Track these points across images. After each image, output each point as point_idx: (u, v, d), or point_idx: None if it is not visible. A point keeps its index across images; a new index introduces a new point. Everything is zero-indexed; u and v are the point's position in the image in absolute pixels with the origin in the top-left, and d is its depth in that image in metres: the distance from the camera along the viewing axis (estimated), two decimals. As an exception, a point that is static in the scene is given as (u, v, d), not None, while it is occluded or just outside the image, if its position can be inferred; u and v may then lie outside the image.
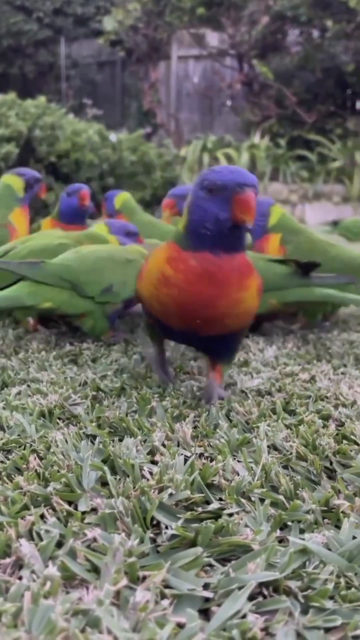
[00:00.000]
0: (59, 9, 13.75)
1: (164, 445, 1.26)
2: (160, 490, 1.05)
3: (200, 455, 1.24)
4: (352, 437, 1.30)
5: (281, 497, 1.05)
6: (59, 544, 0.90)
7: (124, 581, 0.81)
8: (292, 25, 12.45)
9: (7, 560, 0.87)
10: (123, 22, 12.67)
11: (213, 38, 13.83)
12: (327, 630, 0.76)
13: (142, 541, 0.91)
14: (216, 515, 1.00)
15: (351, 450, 1.23)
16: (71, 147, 6.45)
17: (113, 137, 7.74)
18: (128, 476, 1.11)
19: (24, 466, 1.14)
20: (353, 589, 0.81)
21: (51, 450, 1.21)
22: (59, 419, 1.41)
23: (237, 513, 1.01)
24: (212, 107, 14.37)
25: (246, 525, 0.97)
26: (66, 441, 1.24)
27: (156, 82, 14.14)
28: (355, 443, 1.28)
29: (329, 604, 0.79)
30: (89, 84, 14.16)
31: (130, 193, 3.21)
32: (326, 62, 11.81)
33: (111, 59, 14.19)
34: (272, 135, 12.16)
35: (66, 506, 1.01)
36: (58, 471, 1.11)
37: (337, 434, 1.32)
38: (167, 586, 0.82)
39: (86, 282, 2.02)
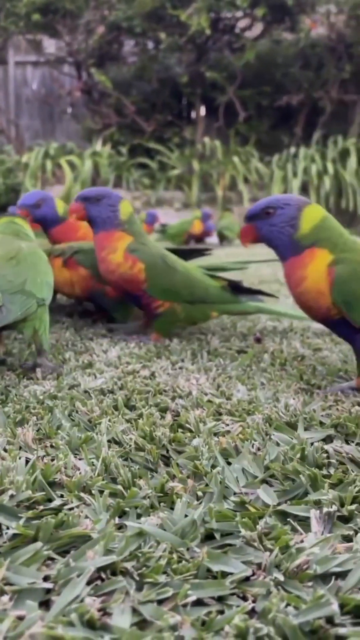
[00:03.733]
0: None
1: (5, 450, 1.25)
2: (1, 493, 1.06)
3: (44, 456, 1.26)
4: (187, 425, 1.38)
5: (119, 487, 1.09)
6: None
7: None
8: (127, 36, 12.69)
9: None
10: None
11: (50, 45, 13.71)
12: (160, 602, 0.81)
13: (-19, 544, 0.91)
14: (57, 511, 1.03)
15: (185, 438, 1.31)
16: None
17: None
18: (-33, 484, 1.09)
19: None
20: (184, 562, 0.88)
21: None
22: None
23: (78, 507, 1.04)
24: (53, 114, 14.22)
25: (86, 517, 1.00)
26: None
27: (-7, 87, 13.71)
28: (190, 430, 1.36)
29: (161, 578, 0.84)
30: None
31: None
32: (161, 73, 12.19)
33: None
34: (114, 143, 12.30)
35: None
36: None
37: (173, 424, 1.39)
38: (7, 583, 0.83)
39: None
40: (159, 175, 12.08)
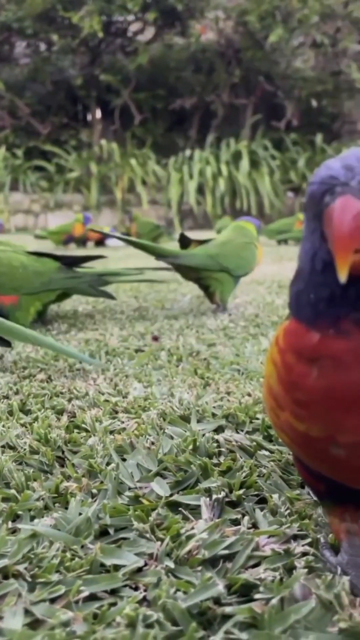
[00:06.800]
0: None
1: None
2: None
3: None
4: (83, 425, 1.38)
5: (13, 491, 1.08)
6: None
7: None
8: (18, 37, 12.43)
9: None
10: None
11: None
12: (53, 600, 0.81)
13: None
14: None
15: (81, 438, 1.31)
16: None
17: None
18: None
19: None
20: (77, 559, 0.88)
21: None
22: None
23: (-31, 515, 1.02)
24: None
25: (-23, 525, 0.99)
26: None
27: None
28: (86, 430, 1.36)
29: (54, 577, 0.84)
30: None
31: None
32: (55, 75, 12.02)
33: None
34: (8, 146, 12.00)
35: None
36: None
37: (69, 425, 1.39)
38: None
39: None
40: (56, 178, 11.90)
